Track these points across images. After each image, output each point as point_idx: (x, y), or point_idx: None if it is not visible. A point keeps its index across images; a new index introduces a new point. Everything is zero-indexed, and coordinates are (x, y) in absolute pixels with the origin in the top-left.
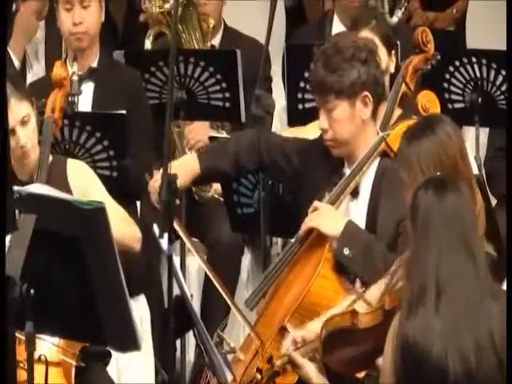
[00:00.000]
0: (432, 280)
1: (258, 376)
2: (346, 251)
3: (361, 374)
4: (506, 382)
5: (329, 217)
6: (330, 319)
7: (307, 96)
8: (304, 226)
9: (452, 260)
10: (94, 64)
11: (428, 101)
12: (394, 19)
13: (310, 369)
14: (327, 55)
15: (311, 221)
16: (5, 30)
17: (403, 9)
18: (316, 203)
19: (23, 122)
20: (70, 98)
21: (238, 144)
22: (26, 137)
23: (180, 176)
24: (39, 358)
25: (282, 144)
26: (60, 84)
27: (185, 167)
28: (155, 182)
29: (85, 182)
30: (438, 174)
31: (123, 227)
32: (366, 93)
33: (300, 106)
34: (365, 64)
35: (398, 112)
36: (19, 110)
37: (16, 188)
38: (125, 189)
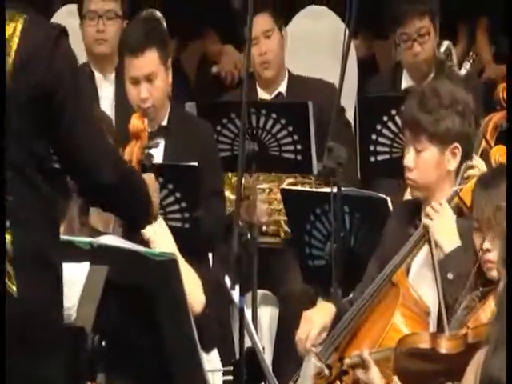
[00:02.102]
0: None
1: (327, 371)
2: (450, 276)
3: None
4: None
5: (447, 228)
6: (406, 337)
7: (379, 149)
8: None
9: None
10: (164, 122)
11: (501, 155)
12: (463, 71)
13: (376, 373)
14: (425, 95)
15: (430, 221)
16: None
17: (471, 61)
18: (439, 206)
19: None
20: (146, 151)
21: None
22: None
23: (319, 319)
24: None
25: None
26: (137, 136)
27: (321, 309)
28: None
29: (158, 235)
30: None
31: (189, 288)
32: (457, 144)
33: (372, 159)
34: (460, 116)
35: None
36: None
37: (88, 239)
38: (197, 241)
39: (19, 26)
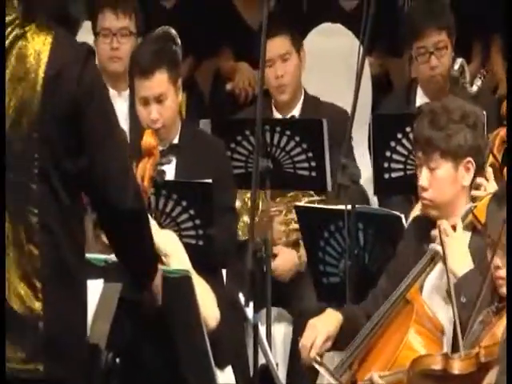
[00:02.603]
0: None
1: None
2: (463, 299)
3: None
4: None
5: (460, 251)
6: (419, 359)
7: (393, 166)
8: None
9: None
10: (175, 141)
11: None
12: (474, 88)
13: None
14: (435, 113)
15: (444, 241)
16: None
17: (483, 77)
18: (451, 230)
19: None
20: (158, 167)
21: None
22: None
23: (325, 327)
24: None
25: None
26: (150, 153)
27: (327, 317)
28: None
29: (172, 252)
30: None
31: (204, 303)
32: (470, 159)
33: (386, 176)
34: (472, 129)
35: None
36: None
37: (103, 256)
38: (211, 257)
39: (49, 40)
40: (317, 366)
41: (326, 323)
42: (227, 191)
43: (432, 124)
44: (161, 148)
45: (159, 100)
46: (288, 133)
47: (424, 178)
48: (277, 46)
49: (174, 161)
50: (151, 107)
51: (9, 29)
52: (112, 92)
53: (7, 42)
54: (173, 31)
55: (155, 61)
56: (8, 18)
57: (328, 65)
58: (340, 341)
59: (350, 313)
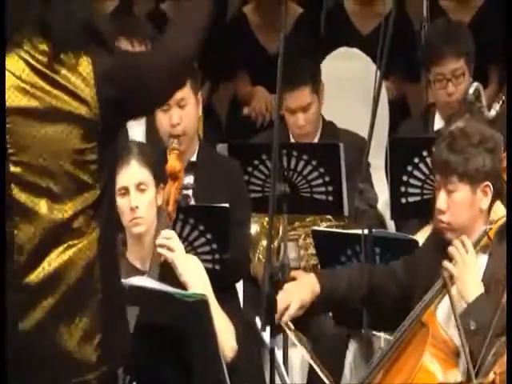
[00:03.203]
0: None
1: None
2: (472, 326)
3: None
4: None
5: (471, 276)
6: None
7: (410, 190)
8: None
9: None
10: (193, 158)
11: None
12: (492, 113)
13: None
14: (453, 137)
15: (453, 268)
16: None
17: (501, 102)
18: (463, 251)
19: (139, 189)
20: (183, 191)
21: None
22: (137, 202)
23: (300, 295)
24: None
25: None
26: (175, 177)
27: (304, 285)
28: None
29: (195, 277)
30: None
31: (222, 334)
32: (488, 183)
33: (403, 200)
34: (490, 154)
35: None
36: (139, 173)
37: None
38: (227, 282)
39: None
40: (288, 331)
41: (302, 291)
42: (243, 211)
43: (450, 147)
44: None
45: (180, 105)
46: (305, 157)
47: (442, 200)
48: (298, 98)
49: (192, 179)
50: (172, 111)
51: None
52: None
53: None
54: None
55: None
56: None
57: (345, 89)
58: (313, 308)
59: (328, 282)
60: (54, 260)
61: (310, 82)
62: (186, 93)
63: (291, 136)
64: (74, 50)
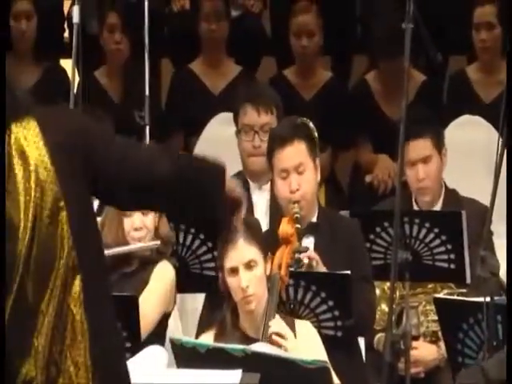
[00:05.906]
0: None
1: None
2: None
3: None
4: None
5: None
6: None
7: None
8: None
9: None
10: (314, 219)
11: None
12: None
13: None
14: None
15: None
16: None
17: None
18: None
19: (249, 266)
20: (297, 255)
21: None
22: (248, 281)
23: None
24: None
25: None
26: (287, 241)
27: None
28: None
29: (311, 343)
30: None
31: None
32: None
33: None
34: None
35: None
36: (247, 252)
37: (241, 347)
38: (349, 348)
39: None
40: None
41: None
42: (363, 264)
43: None
44: (299, 226)
45: (299, 171)
46: (427, 225)
47: None
48: (418, 148)
49: (313, 240)
50: (291, 178)
51: None
52: (252, 185)
53: None
54: (311, 124)
55: (294, 131)
56: None
57: (467, 157)
58: None
59: None
60: None
61: (431, 136)
62: (303, 157)
63: (414, 204)
64: None
